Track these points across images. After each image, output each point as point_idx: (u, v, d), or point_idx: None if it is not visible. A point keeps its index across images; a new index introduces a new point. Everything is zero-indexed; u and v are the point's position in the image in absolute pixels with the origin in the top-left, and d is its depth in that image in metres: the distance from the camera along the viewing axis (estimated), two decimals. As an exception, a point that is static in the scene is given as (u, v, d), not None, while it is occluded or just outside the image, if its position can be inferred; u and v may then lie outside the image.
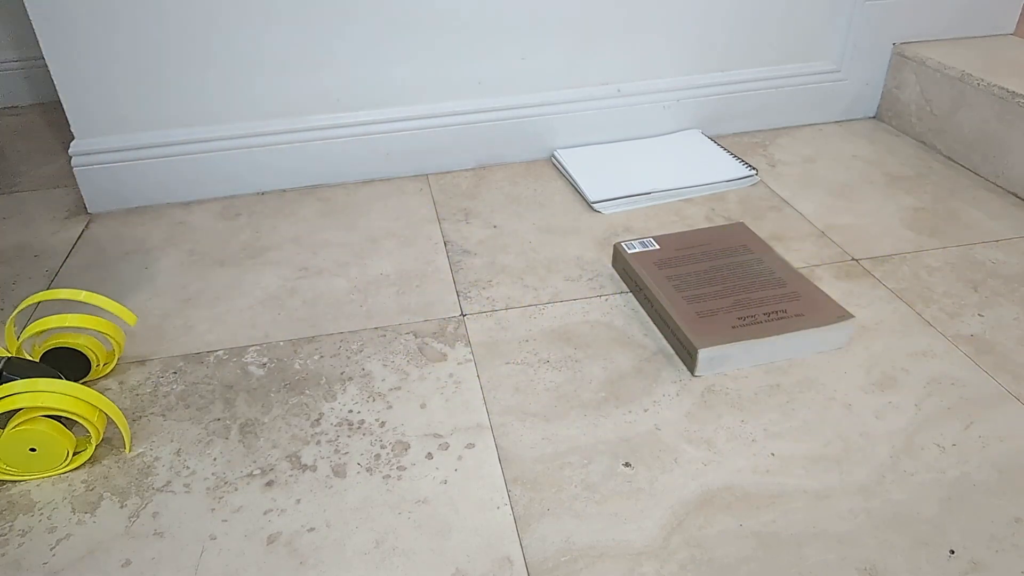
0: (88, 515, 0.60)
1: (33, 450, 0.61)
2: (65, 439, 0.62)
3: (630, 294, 0.83)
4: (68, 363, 0.71)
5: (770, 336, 0.71)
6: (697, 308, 0.74)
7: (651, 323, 0.78)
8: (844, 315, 0.73)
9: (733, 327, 0.72)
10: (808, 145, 1.16)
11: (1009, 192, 1.01)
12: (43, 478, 0.63)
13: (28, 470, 0.62)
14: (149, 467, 0.64)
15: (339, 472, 0.63)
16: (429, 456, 0.64)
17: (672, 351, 0.74)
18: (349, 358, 0.75)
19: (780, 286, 0.77)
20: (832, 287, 0.83)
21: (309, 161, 1.07)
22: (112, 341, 0.73)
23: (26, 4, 0.90)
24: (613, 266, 0.87)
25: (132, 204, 1.05)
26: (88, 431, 0.64)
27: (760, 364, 0.72)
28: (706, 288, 0.77)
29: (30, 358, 0.69)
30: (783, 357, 0.73)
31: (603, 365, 0.73)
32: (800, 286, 0.77)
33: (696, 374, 0.71)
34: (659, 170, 1.06)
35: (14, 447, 0.61)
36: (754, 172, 1.05)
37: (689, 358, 0.71)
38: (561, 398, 0.69)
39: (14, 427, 0.60)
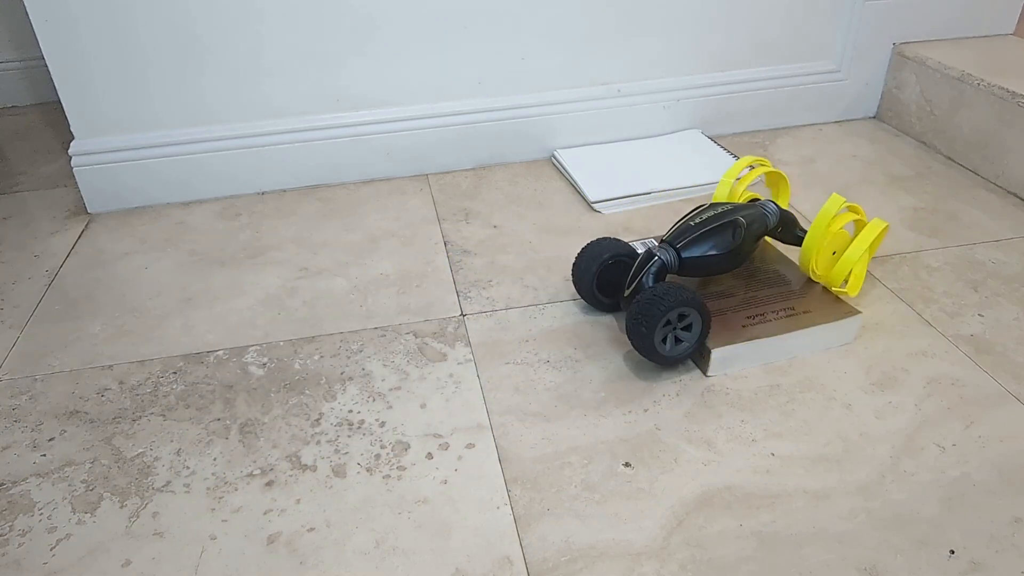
0: (88, 515, 0.60)
1: (834, 253, 0.76)
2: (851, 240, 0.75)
3: (630, 294, 0.83)
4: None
5: (781, 334, 0.71)
6: None
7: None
8: (851, 311, 0.73)
9: (743, 326, 0.72)
10: (808, 145, 1.16)
11: (1009, 192, 1.01)
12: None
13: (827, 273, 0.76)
14: (149, 467, 0.64)
15: (339, 472, 0.63)
16: (429, 456, 0.64)
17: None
18: (349, 358, 0.75)
19: (785, 283, 0.77)
20: (832, 287, 0.83)
21: (309, 161, 1.07)
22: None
23: (26, 4, 0.90)
24: None
25: (132, 204, 1.05)
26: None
27: (768, 363, 0.72)
28: (712, 287, 0.77)
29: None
30: (792, 355, 0.73)
31: (603, 365, 0.73)
32: (805, 283, 0.77)
33: (708, 374, 0.71)
34: (659, 170, 1.06)
35: (826, 251, 0.75)
36: None
37: (701, 358, 0.71)
38: (561, 398, 0.69)
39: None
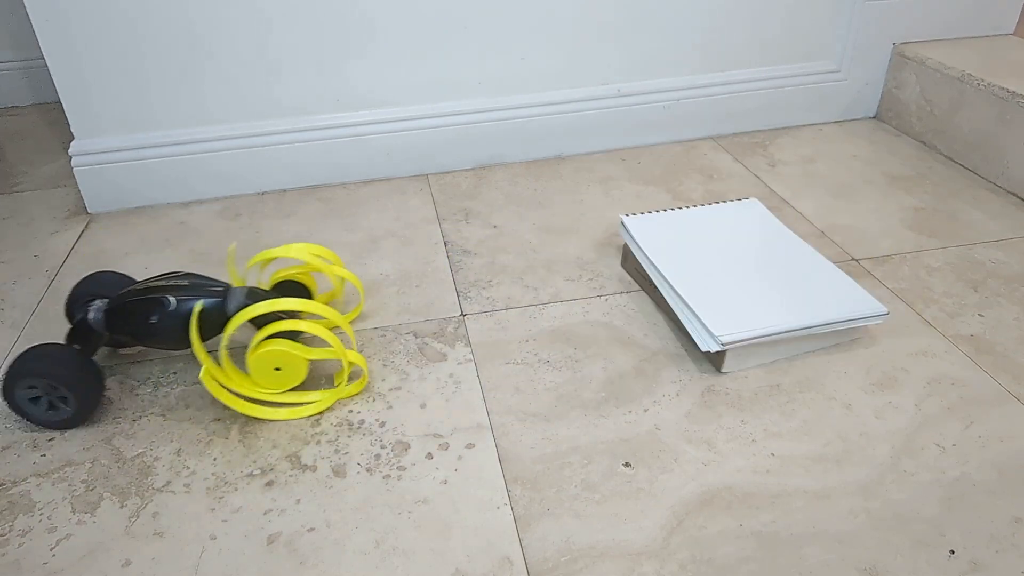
0: (88, 515, 0.60)
1: (278, 369, 0.67)
2: (303, 358, 0.67)
3: (630, 294, 0.83)
4: (292, 295, 0.76)
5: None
6: None
7: (650, 323, 0.78)
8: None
9: None
10: (808, 145, 1.16)
11: (1009, 192, 1.01)
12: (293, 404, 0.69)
13: (276, 387, 0.68)
14: (149, 467, 0.64)
15: (339, 472, 0.63)
16: (429, 456, 0.64)
17: (684, 351, 0.74)
18: (349, 358, 0.75)
19: None
20: (832, 287, 0.83)
21: (309, 161, 1.07)
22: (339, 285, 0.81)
23: (26, 4, 0.90)
24: (623, 266, 0.87)
25: (132, 204, 1.05)
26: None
27: (778, 360, 0.72)
28: None
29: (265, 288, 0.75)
30: (808, 350, 0.73)
31: (603, 365, 0.73)
32: None
33: (723, 371, 0.71)
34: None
35: (262, 366, 0.67)
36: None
37: (715, 355, 0.71)
38: (561, 398, 0.69)
39: (258, 349, 0.66)
